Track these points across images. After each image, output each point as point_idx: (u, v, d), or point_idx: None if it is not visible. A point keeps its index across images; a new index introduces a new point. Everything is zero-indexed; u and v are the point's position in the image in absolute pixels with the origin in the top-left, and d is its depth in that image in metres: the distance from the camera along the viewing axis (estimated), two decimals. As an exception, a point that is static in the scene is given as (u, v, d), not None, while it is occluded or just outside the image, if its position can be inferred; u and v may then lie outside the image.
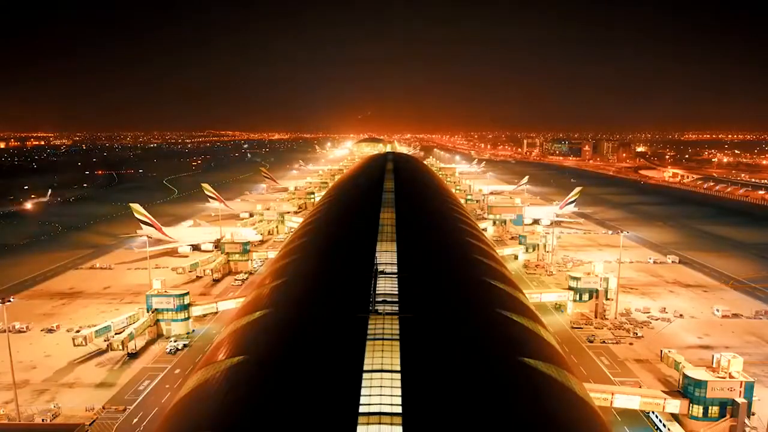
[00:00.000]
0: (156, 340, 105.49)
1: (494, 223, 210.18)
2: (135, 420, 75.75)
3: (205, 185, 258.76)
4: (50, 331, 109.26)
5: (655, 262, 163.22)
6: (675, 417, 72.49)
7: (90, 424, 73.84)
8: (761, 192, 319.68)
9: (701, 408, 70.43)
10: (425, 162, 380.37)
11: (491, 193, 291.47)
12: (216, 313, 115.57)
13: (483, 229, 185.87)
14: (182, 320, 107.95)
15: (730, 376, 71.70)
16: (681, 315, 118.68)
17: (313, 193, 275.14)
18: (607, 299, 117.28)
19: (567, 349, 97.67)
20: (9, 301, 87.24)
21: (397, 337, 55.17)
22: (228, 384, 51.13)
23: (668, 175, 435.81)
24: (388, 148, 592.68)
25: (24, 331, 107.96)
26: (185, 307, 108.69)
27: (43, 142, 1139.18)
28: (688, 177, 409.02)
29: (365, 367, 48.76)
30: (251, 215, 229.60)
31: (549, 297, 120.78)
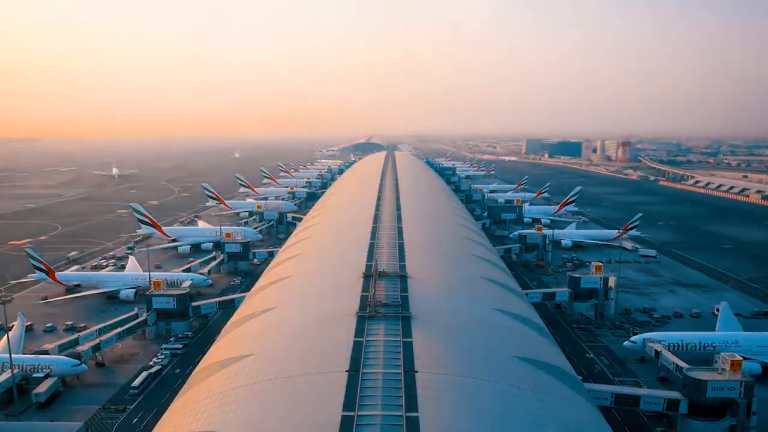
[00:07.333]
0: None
1: (494, 222, 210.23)
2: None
3: (205, 185, 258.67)
4: (50, 331, 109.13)
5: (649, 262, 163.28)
6: (675, 417, 72.49)
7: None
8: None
9: (701, 408, 70.38)
10: (424, 161, 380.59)
11: (491, 192, 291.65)
12: (218, 312, 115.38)
13: (484, 229, 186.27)
14: (183, 321, 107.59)
15: (731, 376, 71.66)
16: (681, 315, 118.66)
17: (315, 194, 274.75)
18: (607, 299, 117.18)
19: (567, 348, 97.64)
20: (10, 300, 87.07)
21: (398, 336, 55.40)
22: (229, 383, 51.22)
23: (668, 175, 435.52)
24: (389, 148, 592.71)
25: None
26: (186, 307, 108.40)
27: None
28: (688, 177, 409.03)
29: (366, 367, 48.97)
30: (251, 215, 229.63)
31: (549, 296, 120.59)
